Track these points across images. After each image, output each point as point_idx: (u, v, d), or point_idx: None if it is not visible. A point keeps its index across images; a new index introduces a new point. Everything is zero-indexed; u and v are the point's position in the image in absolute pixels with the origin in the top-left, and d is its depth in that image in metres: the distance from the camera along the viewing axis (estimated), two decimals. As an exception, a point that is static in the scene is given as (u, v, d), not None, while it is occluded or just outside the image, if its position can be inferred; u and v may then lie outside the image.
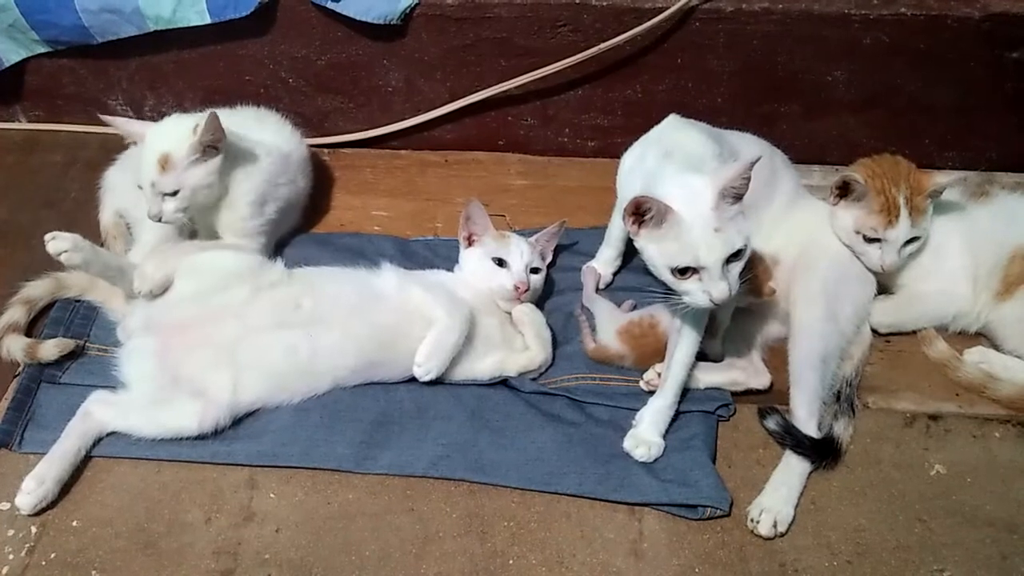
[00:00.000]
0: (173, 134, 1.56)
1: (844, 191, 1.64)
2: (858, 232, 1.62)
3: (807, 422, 1.49)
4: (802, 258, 1.64)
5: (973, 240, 1.67)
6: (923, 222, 1.61)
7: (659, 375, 1.53)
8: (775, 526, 1.39)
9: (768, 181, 1.67)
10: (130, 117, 2.12)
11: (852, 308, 1.62)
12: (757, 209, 1.64)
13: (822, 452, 1.47)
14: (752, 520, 1.40)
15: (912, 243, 1.62)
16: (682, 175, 1.34)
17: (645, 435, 1.48)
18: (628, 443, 1.48)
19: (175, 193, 1.56)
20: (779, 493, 1.42)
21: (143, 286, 1.56)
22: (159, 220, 1.59)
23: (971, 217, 1.69)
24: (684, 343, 1.50)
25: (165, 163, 1.54)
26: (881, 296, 1.69)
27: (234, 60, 1.99)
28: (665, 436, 1.49)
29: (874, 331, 1.68)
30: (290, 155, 1.79)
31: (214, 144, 1.57)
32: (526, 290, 1.61)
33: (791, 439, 1.47)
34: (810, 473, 1.47)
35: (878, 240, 1.61)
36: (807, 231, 1.67)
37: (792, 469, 1.46)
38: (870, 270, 1.65)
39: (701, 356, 1.55)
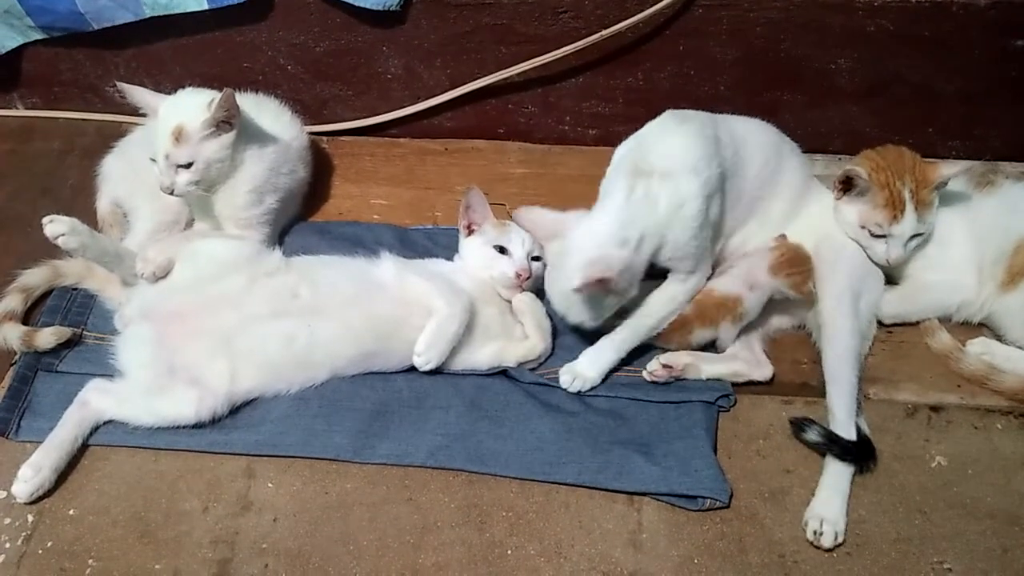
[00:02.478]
0: (188, 107, 1.55)
1: (847, 186, 1.62)
2: (863, 227, 1.60)
3: (847, 423, 1.46)
4: (821, 253, 1.61)
5: (978, 230, 1.65)
6: (929, 215, 1.59)
7: (663, 366, 1.53)
8: (836, 537, 1.36)
9: (775, 170, 1.65)
10: (127, 104, 2.10)
11: (867, 304, 1.61)
12: (763, 200, 1.63)
13: (864, 454, 1.45)
14: (815, 533, 1.36)
15: (918, 236, 1.61)
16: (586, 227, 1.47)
17: (578, 367, 1.54)
18: (563, 377, 1.54)
19: (189, 165, 1.55)
20: (835, 503, 1.39)
21: (146, 269, 1.55)
22: (171, 192, 1.57)
23: (976, 207, 1.67)
24: (656, 298, 1.54)
25: (179, 135, 1.53)
26: (885, 287, 1.68)
27: (232, 47, 1.98)
28: (606, 379, 1.55)
29: (878, 322, 1.66)
30: (291, 144, 1.77)
31: (228, 120, 1.56)
32: (528, 277, 1.60)
33: (837, 448, 1.43)
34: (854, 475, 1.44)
35: (883, 235, 1.59)
36: (822, 225, 1.65)
37: (842, 475, 1.42)
38: (875, 264, 1.64)
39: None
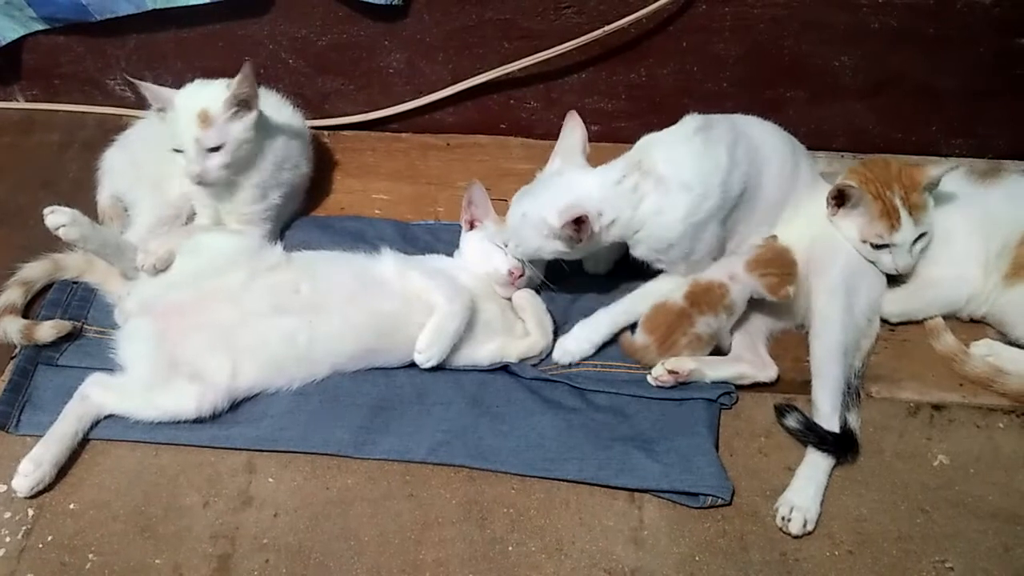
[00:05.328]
0: (207, 91, 1.55)
1: (840, 200, 1.62)
2: (865, 241, 1.61)
3: (831, 417, 1.47)
4: (819, 249, 1.61)
5: (983, 222, 1.65)
6: (925, 217, 1.59)
7: (668, 372, 1.52)
8: (805, 525, 1.38)
9: (792, 178, 1.65)
10: (128, 97, 2.10)
11: (866, 301, 1.61)
12: (783, 204, 1.64)
13: (844, 446, 1.46)
14: (783, 519, 1.38)
15: (920, 239, 1.60)
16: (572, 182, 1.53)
17: (568, 341, 1.58)
18: (556, 352, 1.59)
19: (219, 148, 1.54)
20: (807, 492, 1.41)
21: (147, 260, 1.55)
22: (200, 181, 1.55)
23: (979, 199, 1.67)
24: (651, 284, 1.59)
25: (205, 118, 1.52)
26: (890, 286, 1.67)
27: (234, 40, 1.97)
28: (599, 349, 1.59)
29: (884, 320, 1.66)
30: (293, 139, 1.76)
31: (248, 99, 1.56)
32: (521, 275, 1.59)
33: (814, 436, 1.45)
34: (833, 467, 1.45)
35: (887, 246, 1.59)
36: (824, 222, 1.64)
37: (818, 466, 1.44)
38: (886, 274, 1.64)
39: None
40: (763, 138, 1.62)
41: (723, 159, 1.51)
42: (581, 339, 1.59)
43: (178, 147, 1.54)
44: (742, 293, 1.56)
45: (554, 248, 1.51)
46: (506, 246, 1.60)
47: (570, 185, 1.52)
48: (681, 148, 1.52)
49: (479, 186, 1.66)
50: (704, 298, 1.55)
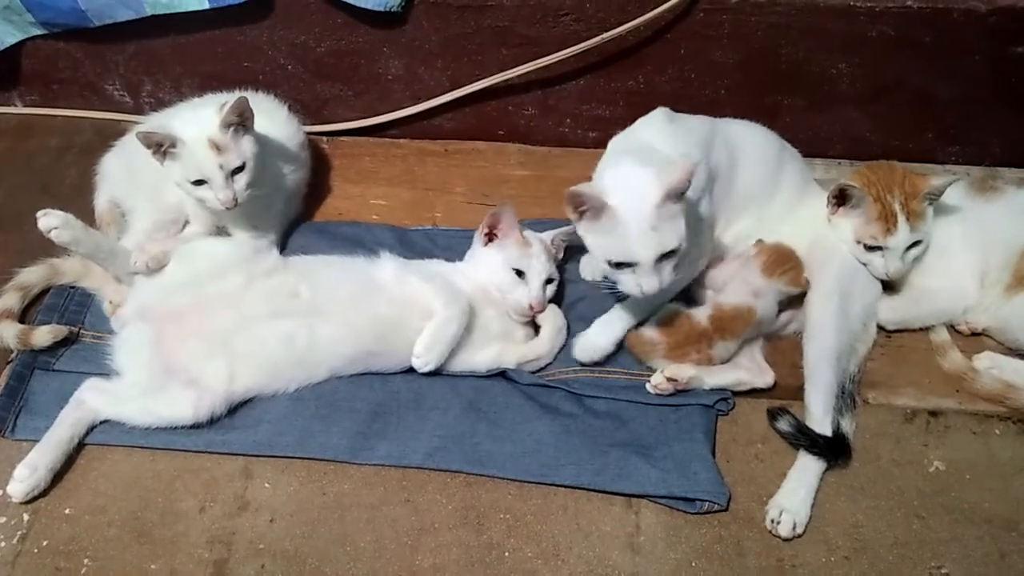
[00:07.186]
0: (204, 121, 1.51)
1: (841, 199, 1.63)
2: (859, 242, 1.61)
3: (823, 420, 1.48)
4: (813, 254, 1.62)
5: (982, 235, 1.65)
6: (923, 226, 1.60)
7: (667, 379, 1.52)
8: (794, 528, 1.38)
9: (773, 174, 1.66)
10: (127, 102, 2.11)
11: (861, 305, 1.61)
12: (758, 203, 1.64)
13: (836, 450, 1.46)
14: (772, 521, 1.39)
15: (915, 247, 1.61)
16: (627, 167, 1.38)
17: (589, 338, 1.57)
18: (576, 349, 1.57)
19: (241, 168, 1.53)
20: (798, 495, 1.41)
21: (140, 258, 1.55)
22: (235, 203, 1.54)
23: (979, 213, 1.67)
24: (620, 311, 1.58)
25: (215, 146, 1.50)
26: (887, 294, 1.67)
27: (233, 46, 1.97)
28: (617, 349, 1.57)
29: (880, 328, 1.66)
30: (286, 144, 1.77)
31: (242, 123, 1.54)
32: (541, 310, 1.59)
33: (806, 439, 1.46)
34: (824, 471, 1.45)
35: (880, 248, 1.60)
36: (817, 226, 1.65)
37: (808, 469, 1.44)
38: (876, 278, 1.64)
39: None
40: (741, 134, 1.64)
41: (703, 135, 1.54)
42: (601, 336, 1.57)
43: (201, 178, 1.52)
44: (769, 305, 1.58)
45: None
46: (520, 274, 1.58)
47: (649, 150, 1.44)
48: (666, 137, 1.51)
49: (510, 210, 1.60)
50: (729, 325, 1.56)
